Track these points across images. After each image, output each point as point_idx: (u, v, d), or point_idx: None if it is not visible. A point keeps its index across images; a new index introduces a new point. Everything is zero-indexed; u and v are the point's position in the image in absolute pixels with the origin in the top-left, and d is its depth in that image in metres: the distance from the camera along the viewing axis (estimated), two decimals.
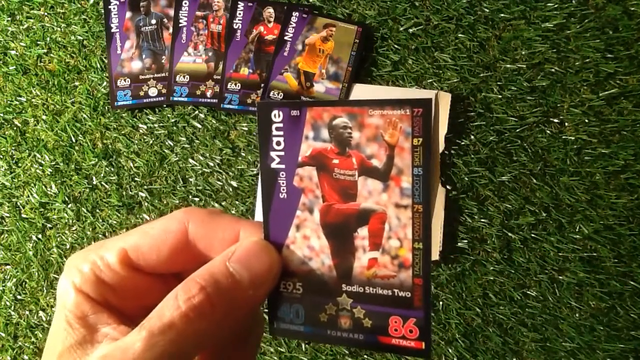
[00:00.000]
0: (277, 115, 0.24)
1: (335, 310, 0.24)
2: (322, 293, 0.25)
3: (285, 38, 0.75)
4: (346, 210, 0.24)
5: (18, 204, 0.84)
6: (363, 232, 0.24)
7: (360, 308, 0.24)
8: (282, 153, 0.24)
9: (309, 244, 0.25)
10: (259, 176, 0.23)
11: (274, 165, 0.25)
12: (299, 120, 0.24)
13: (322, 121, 0.24)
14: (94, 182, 0.81)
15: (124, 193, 0.80)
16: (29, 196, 0.83)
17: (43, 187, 0.82)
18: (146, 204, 0.79)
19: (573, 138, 0.69)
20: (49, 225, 0.83)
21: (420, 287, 0.23)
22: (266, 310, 0.26)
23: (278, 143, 0.24)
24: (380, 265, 0.24)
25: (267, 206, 0.25)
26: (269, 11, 0.76)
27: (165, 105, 0.79)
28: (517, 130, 0.70)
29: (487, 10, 0.70)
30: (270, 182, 0.25)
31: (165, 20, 0.79)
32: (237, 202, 0.76)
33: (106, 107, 0.81)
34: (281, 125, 0.24)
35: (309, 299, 0.25)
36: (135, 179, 0.80)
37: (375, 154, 0.23)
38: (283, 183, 0.25)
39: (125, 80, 0.79)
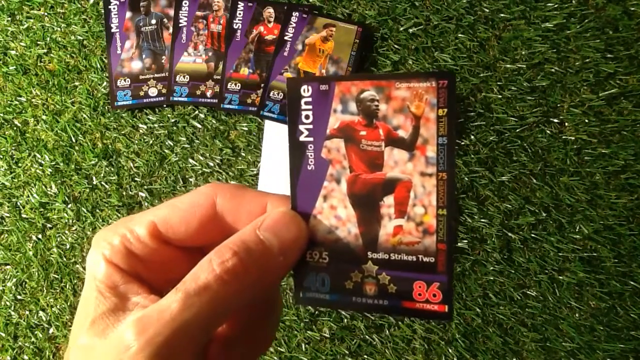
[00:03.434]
0: (306, 90, 0.25)
1: (361, 278, 0.25)
2: (348, 261, 0.25)
3: (285, 38, 0.75)
4: (373, 179, 0.25)
5: (18, 204, 0.84)
6: (389, 200, 0.25)
7: (385, 274, 0.25)
8: (311, 126, 0.25)
9: (336, 213, 0.25)
10: (289, 150, 0.24)
11: (302, 138, 0.25)
12: (328, 95, 0.25)
13: (350, 95, 0.24)
14: (94, 182, 0.81)
15: (124, 193, 0.80)
16: (29, 196, 0.83)
17: (43, 187, 0.82)
18: (146, 204, 0.79)
19: (573, 138, 0.69)
20: (49, 225, 0.83)
21: (444, 252, 0.24)
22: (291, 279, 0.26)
23: (307, 117, 0.25)
24: (405, 232, 0.24)
25: (295, 178, 0.25)
26: (269, 11, 0.76)
27: (165, 105, 0.79)
28: (517, 130, 0.70)
29: (487, 10, 0.70)
30: (299, 155, 0.25)
31: (165, 20, 0.79)
32: None
33: (106, 107, 0.81)
34: (310, 99, 0.25)
35: (335, 268, 0.25)
36: (135, 179, 0.80)
37: (401, 124, 0.24)
38: (311, 155, 0.25)
39: (125, 80, 0.79)
